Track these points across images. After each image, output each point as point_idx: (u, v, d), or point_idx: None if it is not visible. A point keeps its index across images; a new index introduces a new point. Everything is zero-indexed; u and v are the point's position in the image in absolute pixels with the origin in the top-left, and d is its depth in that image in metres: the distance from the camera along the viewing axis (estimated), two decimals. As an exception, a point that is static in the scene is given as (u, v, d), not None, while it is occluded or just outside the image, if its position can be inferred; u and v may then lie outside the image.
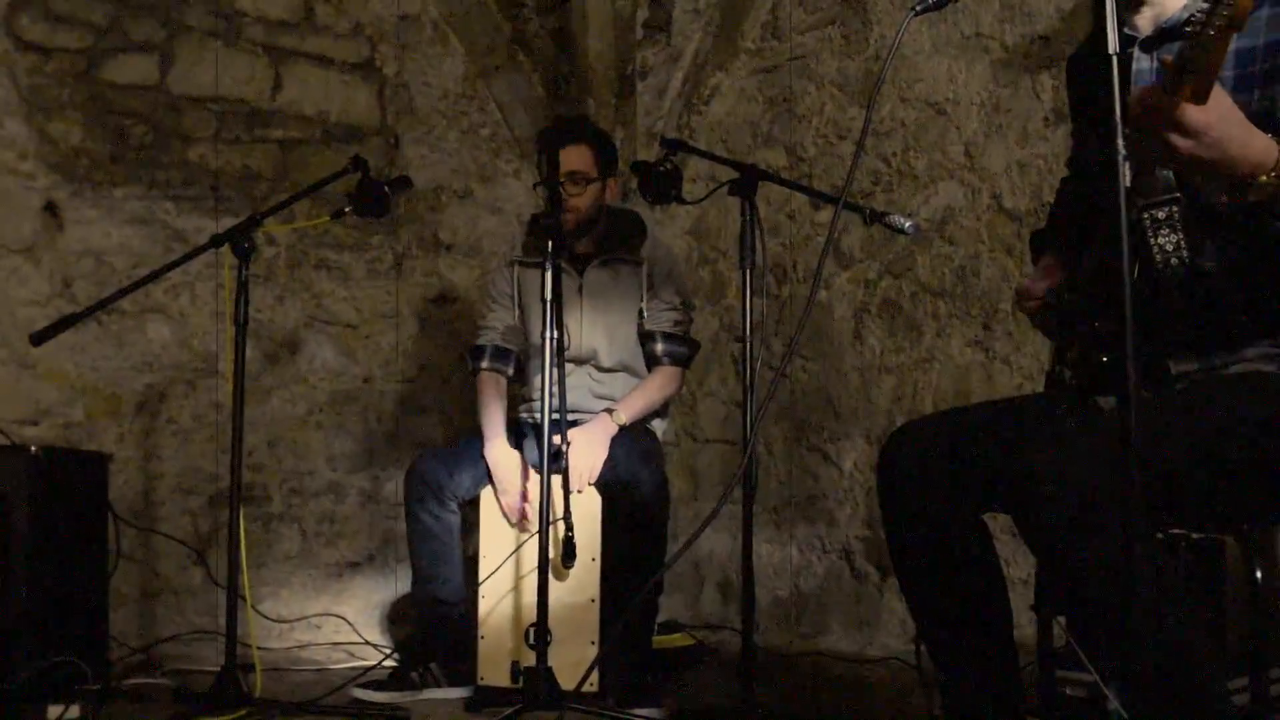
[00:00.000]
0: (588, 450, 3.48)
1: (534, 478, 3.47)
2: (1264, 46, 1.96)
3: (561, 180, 3.45)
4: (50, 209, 4.36)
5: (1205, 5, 1.57)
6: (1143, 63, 2.09)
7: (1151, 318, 1.92)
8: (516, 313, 3.83)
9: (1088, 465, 1.75)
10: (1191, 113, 1.69)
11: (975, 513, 2.15)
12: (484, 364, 3.80)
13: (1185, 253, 1.92)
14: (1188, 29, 1.62)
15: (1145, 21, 2.11)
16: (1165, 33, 2.07)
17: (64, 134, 4.40)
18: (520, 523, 3.50)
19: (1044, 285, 2.33)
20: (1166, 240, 1.93)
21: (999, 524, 2.29)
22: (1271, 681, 2.36)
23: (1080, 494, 1.74)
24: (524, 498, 3.50)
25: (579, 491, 3.39)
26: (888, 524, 2.21)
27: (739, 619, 3.13)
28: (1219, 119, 1.71)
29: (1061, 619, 2.44)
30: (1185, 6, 2.06)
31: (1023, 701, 2.20)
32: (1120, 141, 1.63)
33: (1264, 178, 1.77)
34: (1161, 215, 1.93)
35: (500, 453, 3.59)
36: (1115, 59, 1.65)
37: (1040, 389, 2.37)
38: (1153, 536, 1.74)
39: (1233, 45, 1.97)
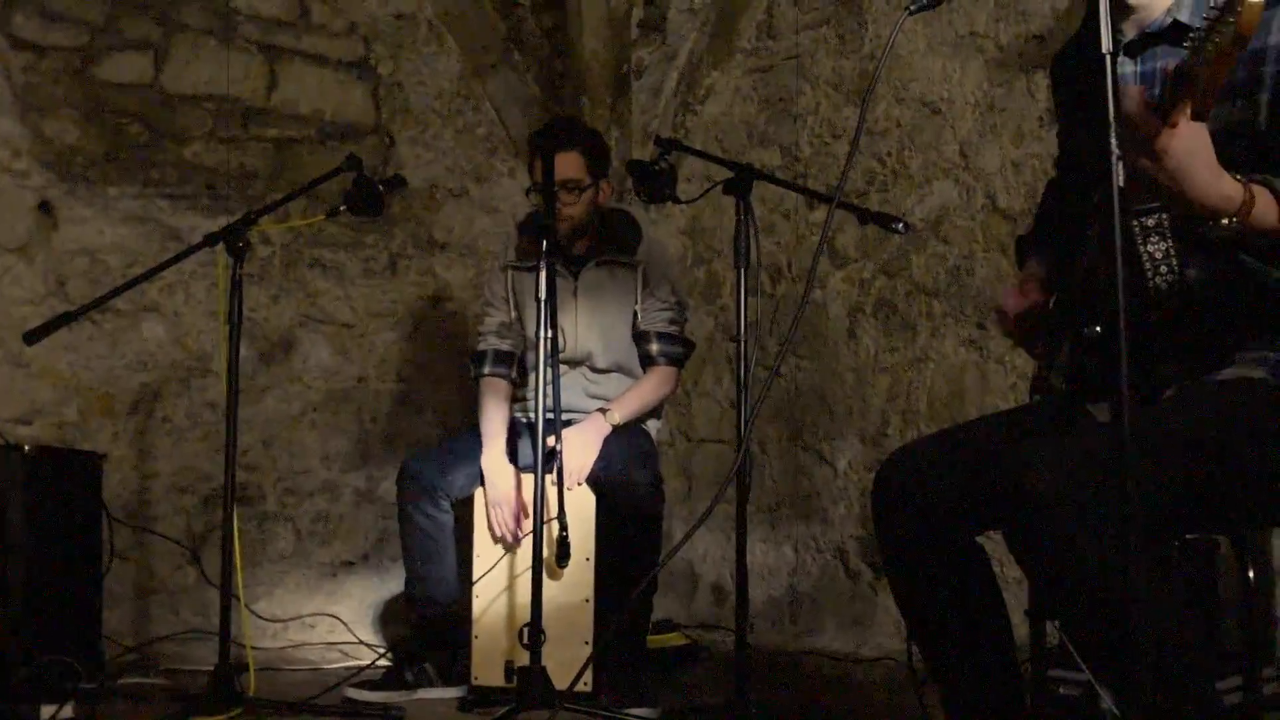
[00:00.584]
0: (579, 449, 3.48)
1: (527, 479, 3.48)
2: (1247, 55, 1.95)
3: (555, 189, 3.46)
4: (44, 207, 4.35)
5: (1209, 18, 1.56)
6: (1126, 66, 2.09)
7: (1141, 325, 1.92)
8: (513, 313, 3.82)
9: (1082, 478, 1.74)
10: (1162, 136, 1.68)
11: (972, 535, 2.14)
12: (486, 370, 3.80)
13: (1174, 260, 1.91)
14: (1187, 44, 1.61)
15: (1130, 26, 2.11)
16: (1149, 37, 2.07)
17: (58, 132, 4.39)
18: (511, 542, 3.51)
19: (1018, 305, 2.32)
20: (1155, 248, 1.92)
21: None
22: (1265, 681, 2.36)
23: (1076, 506, 1.73)
24: (518, 519, 3.52)
25: (569, 489, 3.39)
26: (884, 548, 2.20)
27: (733, 618, 3.13)
28: (1183, 150, 1.69)
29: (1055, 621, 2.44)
30: (1169, 10, 2.05)
31: (1023, 710, 2.20)
32: (1113, 141, 1.63)
33: (1225, 221, 1.76)
34: (1150, 223, 1.93)
35: (496, 464, 3.59)
36: (1109, 58, 1.64)
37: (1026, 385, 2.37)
38: (1148, 545, 1.73)
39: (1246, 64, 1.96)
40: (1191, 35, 1.59)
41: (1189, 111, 1.67)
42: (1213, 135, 1.82)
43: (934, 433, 2.32)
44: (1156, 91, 1.91)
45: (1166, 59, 2.02)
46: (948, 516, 2.08)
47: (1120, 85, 2.06)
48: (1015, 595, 3.14)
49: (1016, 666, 2.19)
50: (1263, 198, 1.78)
